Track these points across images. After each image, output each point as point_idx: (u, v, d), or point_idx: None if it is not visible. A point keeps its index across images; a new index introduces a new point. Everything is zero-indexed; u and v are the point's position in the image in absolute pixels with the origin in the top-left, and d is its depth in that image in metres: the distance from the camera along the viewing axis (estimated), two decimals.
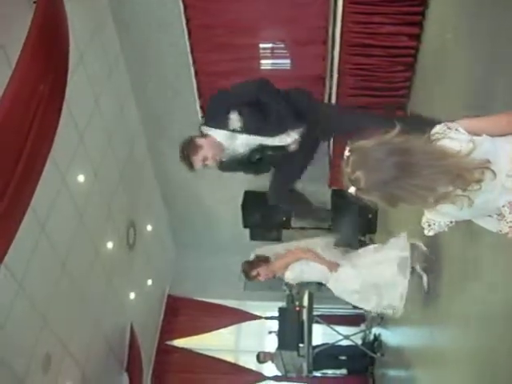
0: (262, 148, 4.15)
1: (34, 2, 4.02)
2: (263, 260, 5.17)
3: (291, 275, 5.01)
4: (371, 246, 5.28)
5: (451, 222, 2.10)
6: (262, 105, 3.99)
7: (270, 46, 6.44)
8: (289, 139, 4.12)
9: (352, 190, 1.94)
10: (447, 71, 4.64)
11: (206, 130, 4.07)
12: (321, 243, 5.34)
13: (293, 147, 4.16)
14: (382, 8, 5.29)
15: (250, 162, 4.25)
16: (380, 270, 4.76)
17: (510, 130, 2.00)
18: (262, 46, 6.40)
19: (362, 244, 7.97)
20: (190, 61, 6.36)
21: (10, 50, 3.93)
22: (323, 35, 5.87)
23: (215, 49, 6.31)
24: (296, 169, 4.50)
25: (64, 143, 4.86)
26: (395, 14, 5.32)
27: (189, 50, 6.24)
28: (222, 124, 4.01)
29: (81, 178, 5.67)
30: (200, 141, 4.01)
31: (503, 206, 1.96)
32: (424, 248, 4.75)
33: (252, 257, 5.39)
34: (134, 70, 6.72)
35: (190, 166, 4.07)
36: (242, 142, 4.09)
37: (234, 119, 3.96)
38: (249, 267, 5.20)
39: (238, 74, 6.45)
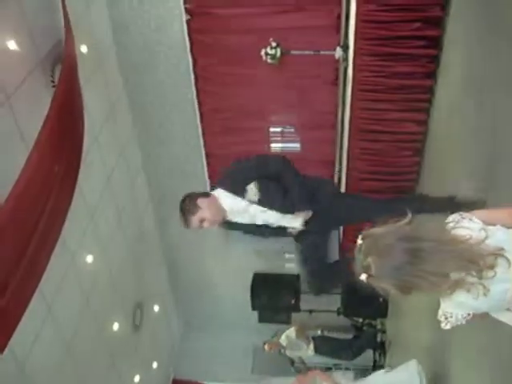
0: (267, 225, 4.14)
1: (53, 87, 4.18)
2: None
3: None
4: (381, 372, 5.19)
5: (468, 315, 2.03)
6: (282, 182, 4.00)
7: (279, 129, 6.58)
8: (295, 223, 4.11)
9: (363, 277, 1.93)
10: (455, 155, 4.70)
11: (215, 190, 3.99)
12: (337, 376, 5.29)
13: (294, 232, 4.16)
14: (389, 95, 5.42)
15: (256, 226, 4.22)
16: None
17: None
18: (271, 129, 6.54)
19: (373, 327, 7.87)
20: (202, 143, 6.49)
21: (26, 131, 4.03)
22: (332, 120, 6.00)
23: (225, 132, 6.46)
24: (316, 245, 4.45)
25: (73, 222, 4.89)
26: (402, 101, 5.44)
27: (200, 132, 6.38)
28: (237, 191, 3.93)
29: (89, 259, 5.66)
30: (201, 201, 3.87)
31: None
32: None
33: None
34: (146, 150, 6.85)
35: (186, 224, 3.94)
36: (251, 214, 4.06)
37: (252, 191, 3.92)
38: None
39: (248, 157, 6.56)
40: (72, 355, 5.34)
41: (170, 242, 7.83)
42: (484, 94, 4.00)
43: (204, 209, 3.84)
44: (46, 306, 4.79)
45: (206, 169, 6.74)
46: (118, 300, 6.55)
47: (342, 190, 6.21)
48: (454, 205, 3.94)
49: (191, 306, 8.92)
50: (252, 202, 3.93)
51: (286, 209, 4.01)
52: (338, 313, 7.99)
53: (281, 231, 4.16)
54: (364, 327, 8.09)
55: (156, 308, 8.01)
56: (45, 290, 4.63)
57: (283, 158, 4.11)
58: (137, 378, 7.25)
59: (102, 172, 5.91)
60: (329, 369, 7.94)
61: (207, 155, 6.65)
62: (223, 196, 3.93)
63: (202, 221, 3.88)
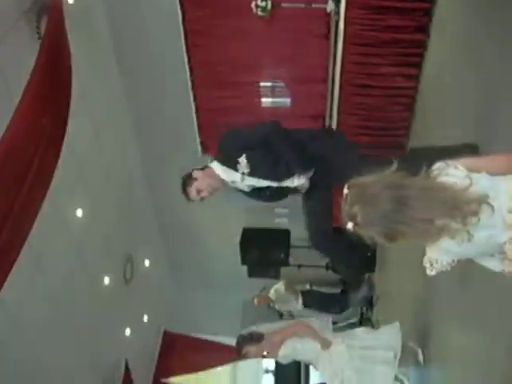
0: (269, 187, 4.20)
1: (39, 39, 4.10)
2: (256, 338, 5.03)
3: (283, 352, 4.91)
4: (363, 329, 5.27)
5: (453, 261, 2.07)
6: (272, 148, 4.04)
7: (270, 84, 6.51)
8: (296, 182, 4.15)
9: (350, 225, 1.94)
10: (446, 110, 4.69)
11: (212, 163, 4.14)
12: (316, 322, 5.32)
13: (304, 187, 4.19)
14: (381, 49, 5.37)
15: (260, 194, 4.28)
16: (373, 369, 4.75)
17: (510, 170, 2.02)
18: (262, 84, 6.48)
19: (360, 280, 7.97)
20: (191, 97, 6.42)
21: (13, 84, 3.97)
22: (323, 74, 5.94)
23: (216, 86, 6.38)
24: (320, 207, 4.49)
25: (63, 177, 4.87)
26: (393, 55, 5.40)
27: (190, 86, 6.30)
28: (231, 165, 4.07)
29: (79, 213, 5.66)
30: (196, 173, 4.08)
31: (505, 243, 1.94)
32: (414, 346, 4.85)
33: (245, 332, 5.31)
34: (135, 106, 6.78)
35: (187, 197, 4.13)
36: (249, 184, 4.15)
37: (243, 164, 4.01)
38: (240, 344, 5.08)
39: (238, 111, 6.52)
40: (63, 309, 5.39)
41: (160, 198, 7.83)
42: (477, 49, 3.97)
43: (199, 179, 4.04)
44: (36, 259, 4.81)
45: (195, 123, 6.68)
46: (109, 254, 6.59)
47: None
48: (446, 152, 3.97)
49: (181, 260, 8.98)
50: (245, 174, 4.03)
51: (281, 176, 4.06)
52: (327, 268, 8.07)
53: (286, 191, 4.23)
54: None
55: (146, 262, 8.06)
56: (34, 244, 4.63)
57: (270, 124, 4.14)
58: (128, 331, 7.35)
59: (91, 126, 5.86)
60: None
61: (197, 109, 6.58)
62: (219, 169, 4.09)
63: (199, 191, 4.06)
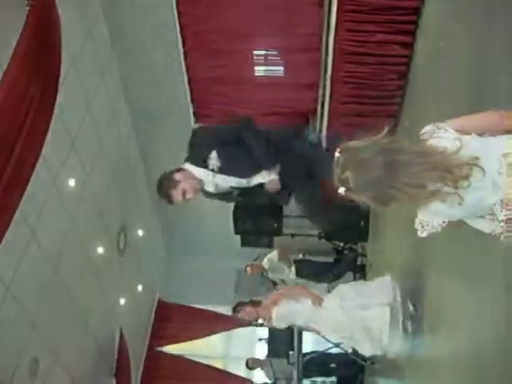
0: (238, 188, 4.22)
1: (27, 6, 4.02)
2: (253, 303, 5.32)
3: (277, 313, 5.03)
4: (354, 284, 5.33)
5: (444, 222, 2.08)
6: (243, 144, 4.04)
7: (263, 52, 6.45)
8: (266, 178, 4.16)
9: (342, 190, 1.94)
10: (440, 79, 4.66)
11: (185, 165, 4.14)
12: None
13: (271, 188, 4.22)
14: (375, 17, 5.30)
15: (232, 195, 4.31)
16: (367, 314, 4.84)
17: (501, 126, 2.01)
18: (255, 52, 6.41)
19: (354, 251, 8.02)
20: (184, 66, 6.35)
21: (1, 51, 3.91)
22: (317, 42, 5.88)
23: (208, 55, 6.31)
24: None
25: (55, 147, 4.84)
26: (388, 22, 5.33)
27: (182, 55, 6.23)
28: (202, 162, 4.07)
29: (72, 182, 5.64)
30: (177, 175, 4.07)
31: (494, 204, 1.94)
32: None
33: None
34: (126, 75, 6.71)
35: (170, 201, 4.12)
36: (220, 181, 4.13)
37: (213, 159, 4.01)
38: (237, 304, 5.37)
39: (231, 80, 6.47)
40: (58, 278, 5.41)
41: (154, 167, 7.80)
42: (472, 18, 3.92)
43: (182, 181, 4.05)
44: (30, 229, 4.80)
45: (188, 93, 6.63)
46: (102, 224, 6.59)
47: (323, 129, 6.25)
48: None
49: (175, 230, 9.00)
50: (216, 172, 4.04)
51: (251, 170, 4.07)
52: (320, 237, 8.10)
53: (258, 191, 4.24)
54: (345, 251, 8.24)
55: (140, 232, 8.07)
56: (27, 215, 4.63)
57: (242, 119, 4.14)
58: (122, 301, 7.39)
59: (82, 95, 5.80)
60: None
61: (189, 79, 6.52)
62: (192, 168, 4.11)
63: (184, 193, 4.06)
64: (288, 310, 5.01)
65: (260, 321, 5.39)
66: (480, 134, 2.00)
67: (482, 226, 2.12)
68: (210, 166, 4.02)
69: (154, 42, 6.28)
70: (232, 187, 4.24)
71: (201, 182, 4.14)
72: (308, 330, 7.25)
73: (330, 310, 4.88)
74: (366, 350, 5.06)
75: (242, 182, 4.17)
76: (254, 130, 4.13)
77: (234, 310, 5.34)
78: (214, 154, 3.99)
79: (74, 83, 5.46)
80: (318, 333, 5.50)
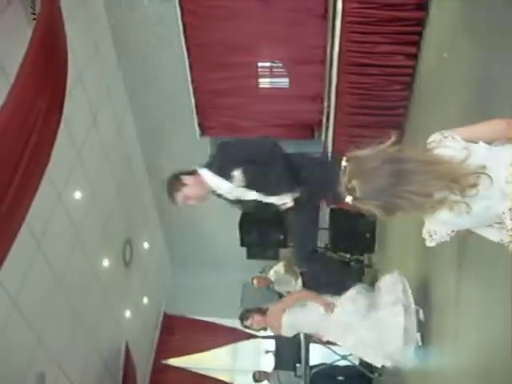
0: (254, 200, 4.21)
1: (34, 19, 4.05)
2: (261, 310, 5.17)
3: (285, 320, 4.94)
4: (359, 291, 5.15)
5: (452, 232, 2.07)
6: (269, 166, 4.02)
7: (268, 64, 6.47)
8: (282, 200, 4.16)
9: (349, 199, 1.94)
10: (445, 90, 4.65)
11: (201, 170, 4.04)
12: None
13: (286, 206, 4.22)
14: (379, 28, 5.32)
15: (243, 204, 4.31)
16: (380, 315, 4.72)
17: (509, 133, 2.00)
18: (260, 64, 6.43)
19: (360, 262, 7.99)
20: (189, 79, 6.38)
21: (8, 65, 3.93)
22: (321, 54, 5.90)
23: (213, 67, 6.34)
24: (304, 231, 4.61)
25: (61, 161, 4.85)
26: (392, 33, 5.35)
27: (188, 68, 6.26)
28: (224, 175, 4.00)
29: (77, 195, 5.65)
30: (186, 178, 3.98)
31: (503, 213, 1.93)
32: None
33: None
34: (132, 88, 6.75)
35: (172, 200, 4.05)
36: (237, 195, 4.12)
37: (238, 177, 3.95)
38: (244, 312, 5.25)
39: (236, 93, 6.49)
40: (63, 291, 5.40)
41: (159, 179, 7.81)
42: (477, 29, 3.92)
43: (189, 186, 3.96)
44: (35, 242, 4.80)
45: (193, 105, 6.65)
46: (108, 236, 6.59)
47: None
48: None
49: (181, 243, 8.99)
50: (238, 187, 4.00)
51: (271, 193, 4.07)
52: (326, 249, 8.07)
53: (268, 207, 4.24)
54: (352, 262, 8.21)
55: (146, 245, 8.07)
56: (33, 228, 4.64)
57: (270, 143, 4.14)
58: (128, 313, 7.38)
59: (88, 109, 5.82)
60: None
61: (195, 91, 6.55)
62: (209, 176, 4.00)
63: (186, 198, 3.99)
64: (296, 317, 4.95)
65: (268, 329, 5.30)
66: (488, 143, 2.00)
67: (490, 234, 2.11)
68: (235, 183, 3.98)
69: (160, 55, 6.31)
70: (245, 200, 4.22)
71: (209, 191, 4.08)
72: (314, 339, 7.23)
73: (341, 315, 4.80)
74: (377, 360, 4.91)
75: (259, 198, 4.15)
76: (281, 156, 4.11)
77: (242, 318, 5.25)
78: (238, 172, 3.94)
79: (80, 97, 5.49)
80: (325, 342, 5.43)
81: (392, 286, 4.78)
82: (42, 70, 3.69)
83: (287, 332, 5.09)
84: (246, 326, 5.28)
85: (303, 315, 4.95)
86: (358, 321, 4.77)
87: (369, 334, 4.71)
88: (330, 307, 4.86)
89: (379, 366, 5.08)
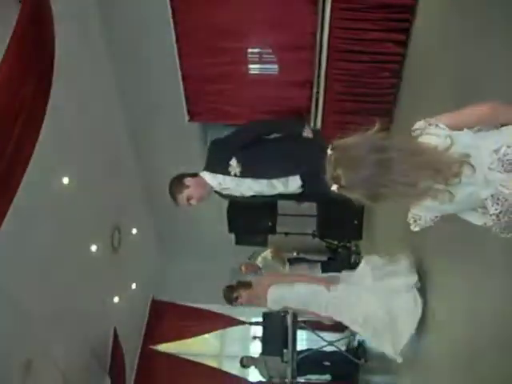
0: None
1: (20, 2, 3.99)
2: (245, 285, 5.01)
3: (271, 296, 4.73)
4: (365, 268, 4.88)
5: (436, 217, 2.11)
6: (260, 143, 4.05)
7: (257, 50, 6.43)
8: (288, 185, 4.13)
9: (334, 187, 1.95)
10: (434, 77, 4.66)
11: (202, 173, 4.13)
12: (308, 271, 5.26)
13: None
14: (369, 14, 5.30)
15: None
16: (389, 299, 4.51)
17: (493, 117, 2.03)
18: (249, 50, 6.39)
19: (348, 249, 8.04)
20: (178, 64, 6.34)
21: None
22: (311, 41, 5.87)
23: (202, 53, 6.29)
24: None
25: (48, 146, 4.81)
26: (382, 20, 5.33)
27: (176, 53, 6.21)
28: (222, 171, 4.06)
29: (65, 181, 5.63)
30: (187, 180, 4.07)
31: (486, 199, 1.97)
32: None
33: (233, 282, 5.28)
34: (120, 73, 6.69)
35: (175, 202, 4.14)
36: (247, 187, 4.14)
37: (234, 165, 4.01)
38: (229, 290, 5.03)
39: (226, 79, 6.45)
40: (50, 277, 5.40)
41: (146, 166, 7.80)
42: (466, 16, 3.92)
43: (191, 187, 4.06)
44: (22, 227, 4.78)
45: (182, 91, 6.61)
46: (96, 222, 6.57)
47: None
48: None
49: (169, 229, 8.98)
50: (238, 176, 4.03)
51: (273, 172, 4.05)
52: (314, 235, 8.11)
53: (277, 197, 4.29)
54: (339, 249, 8.25)
55: (134, 231, 8.06)
56: (20, 212, 4.59)
57: (255, 126, 4.17)
58: (116, 299, 7.38)
59: (75, 93, 5.77)
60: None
61: (184, 76, 6.50)
62: (209, 177, 4.10)
63: (189, 199, 4.08)
64: (284, 294, 4.76)
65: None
66: (473, 129, 2.02)
67: (474, 218, 2.16)
68: (232, 172, 4.02)
69: (149, 40, 6.26)
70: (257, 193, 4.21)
71: (210, 191, 4.17)
72: (301, 325, 7.22)
73: (349, 295, 4.63)
74: (387, 347, 4.59)
75: (267, 187, 4.14)
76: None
77: (229, 300, 5.05)
78: (233, 160, 4.00)
79: (68, 82, 5.42)
80: (314, 327, 5.22)
81: (407, 270, 4.62)
82: (27, 54, 3.65)
83: (273, 304, 4.88)
84: (234, 299, 5.01)
85: (290, 291, 4.79)
86: (368, 297, 4.57)
87: (380, 313, 4.50)
88: (331, 284, 4.72)
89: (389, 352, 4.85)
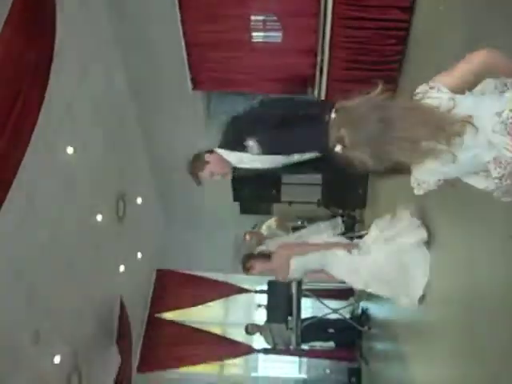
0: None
1: None
2: (264, 256, 4.95)
3: (295, 265, 4.68)
4: (375, 231, 4.92)
5: (439, 180, 2.11)
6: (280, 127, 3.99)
7: (261, 17, 6.37)
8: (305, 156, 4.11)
9: (338, 148, 1.97)
10: (440, 44, 4.61)
11: (218, 150, 4.07)
12: (327, 232, 5.25)
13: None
14: None
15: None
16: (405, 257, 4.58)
17: (490, 66, 2.05)
18: (253, 17, 6.33)
19: (352, 218, 8.05)
20: (181, 32, 6.28)
21: None
22: (315, 7, 5.80)
23: (206, 20, 6.23)
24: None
25: (51, 115, 4.80)
26: None
27: (179, 20, 6.15)
28: (236, 149, 4.00)
29: (69, 150, 5.61)
30: (207, 156, 4.04)
31: (488, 162, 1.97)
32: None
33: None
34: (123, 40, 6.62)
35: (198, 181, 4.13)
36: (265, 161, 4.08)
37: (253, 146, 3.93)
38: (246, 260, 4.96)
39: (229, 46, 6.39)
40: (56, 247, 5.42)
41: (151, 134, 7.77)
42: None
43: (211, 163, 4.03)
44: (27, 198, 4.79)
45: (185, 59, 6.56)
46: (101, 192, 6.58)
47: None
48: None
49: (174, 198, 8.99)
50: (255, 154, 3.97)
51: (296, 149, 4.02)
52: (318, 204, 8.11)
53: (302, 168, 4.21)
54: (343, 218, 8.25)
55: (139, 200, 8.07)
56: (24, 183, 4.59)
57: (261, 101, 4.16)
58: (122, 268, 7.43)
59: (78, 62, 5.72)
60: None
61: (187, 44, 6.44)
62: (226, 153, 4.03)
63: (211, 174, 4.07)
64: (304, 258, 4.70)
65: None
66: (475, 88, 2.04)
67: (477, 181, 2.16)
68: (251, 153, 3.98)
69: (151, 7, 6.19)
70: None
71: (230, 166, 4.11)
72: (305, 293, 7.21)
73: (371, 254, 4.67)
74: (404, 300, 4.69)
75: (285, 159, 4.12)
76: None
77: (246, 267, 4.89)
78: (251, 141, 3.95)
79: (71, 50, 5.38)
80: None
81: (414, 227, 4.65)
82: (29, 21, 3.62)
83: (296, 274, 4.92)
84: (247, 268, 4.97)
85: (308, 260, 4.78)
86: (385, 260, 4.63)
87: (393, 271, 4.60)
88: (350, 246, 4.75)
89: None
